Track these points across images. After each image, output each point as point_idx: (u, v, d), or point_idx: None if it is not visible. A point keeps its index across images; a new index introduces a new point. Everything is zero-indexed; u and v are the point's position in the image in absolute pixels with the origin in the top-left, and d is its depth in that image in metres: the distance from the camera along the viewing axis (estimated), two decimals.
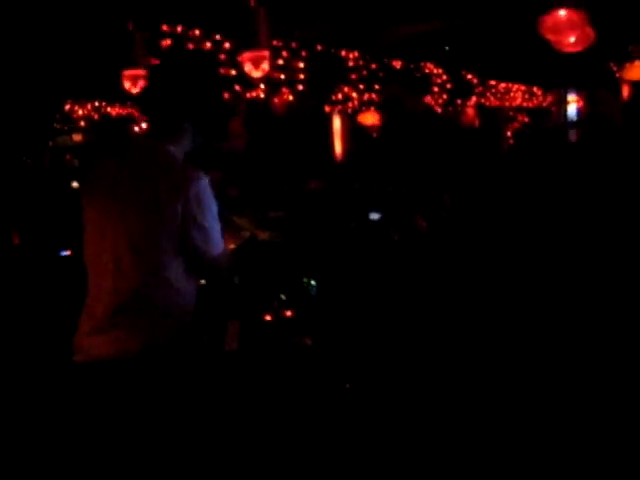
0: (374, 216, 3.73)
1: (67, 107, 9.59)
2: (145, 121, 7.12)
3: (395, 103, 3.95)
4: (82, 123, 10.13)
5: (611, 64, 9.51)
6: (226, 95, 6.68)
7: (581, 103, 13.74)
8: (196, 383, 2.40)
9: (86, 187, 2.45)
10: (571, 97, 13.97)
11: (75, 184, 8.91)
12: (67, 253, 5.12)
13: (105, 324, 2.23)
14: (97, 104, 9.75)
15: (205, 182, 2.29)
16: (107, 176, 2.35)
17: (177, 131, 2.39)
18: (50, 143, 9.62)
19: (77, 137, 10.73)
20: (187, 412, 2.36)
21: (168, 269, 2.26)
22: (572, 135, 11.95)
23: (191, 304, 2.37)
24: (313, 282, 3.25)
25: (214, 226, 2.32)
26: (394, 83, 3.89)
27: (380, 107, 8.95)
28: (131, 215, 2.25)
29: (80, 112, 9.89)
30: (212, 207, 2.32)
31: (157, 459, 2.29)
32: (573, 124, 13.04)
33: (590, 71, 9.67)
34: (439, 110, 9.72)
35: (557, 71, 10.04)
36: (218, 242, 2.35)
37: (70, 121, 10.04)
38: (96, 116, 9.98)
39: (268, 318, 3.12)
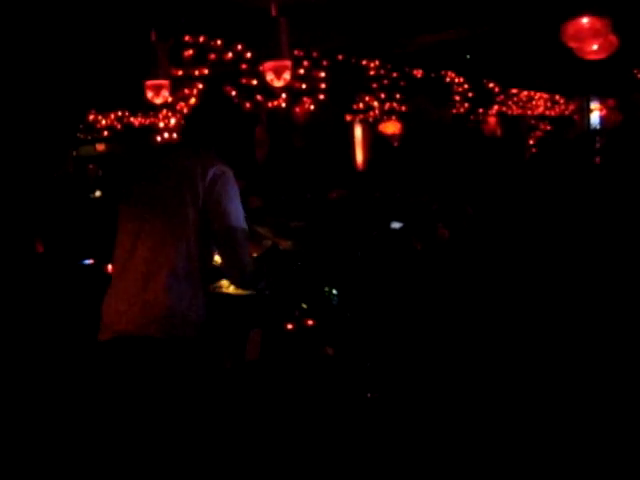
0: (395, 225, 3.72)
1: (91, 117, 9.69)
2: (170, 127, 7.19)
3: (422, 113, 3.95)
4: (105, 133, 10.23)
5: (635, 71, 9.44)
6: (248, 105, 6.72)
7: (604, 111, 13.64)
8: (212, 389, 2.43)
9: (124, 190, 2.62)
10: (594, 105, 13.88)
11: (98, 193, 8.98)
12: (90, 262, 5.15)
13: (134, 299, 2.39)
14: (120, 114, 9.84)
15: (228, 174, 2.47)
16: (142, 180, 2.58)
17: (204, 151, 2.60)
18: (74, 153, 9.72)
19: (100, 147, 10.83)
20: (204, 419, 2.38)
21: (185, 271, 2.40)
22: (595, 144, 11.85)
23: (199, 315, 2.44)
24: (335, 291, 3.24)
25: (234, 222, 2.45)
26: (420, 94, 3.89)
27: (406, 117, 8.94)
28: (158, 216, 2.44)
29: (103, 122, 9.98)
30: (232, 200, 2.46)
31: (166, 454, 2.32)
32: (596, 132, 12.94)
33: (615, 78, 9.60)
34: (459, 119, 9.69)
35: (580, 79, 9.97)
36: (239, 242, 2.46)
37: (93, 131, 10.15)
38: (119, 126, 10.07)
39: (290, 327, 3.12)
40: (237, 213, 2.46)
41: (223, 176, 2.44)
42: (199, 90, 6.25)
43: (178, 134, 7.17)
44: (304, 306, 3.17)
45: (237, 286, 2.83)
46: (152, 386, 2.34)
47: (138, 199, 2.52)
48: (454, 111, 9.61)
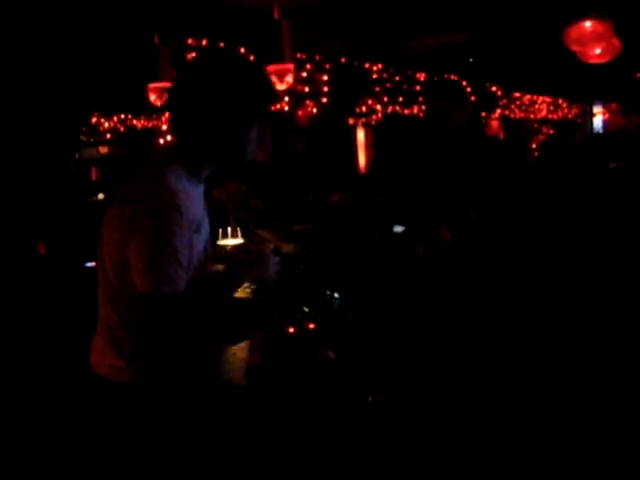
0: (398, 229, 3.71)
1: (93, 120, 9.70)
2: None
3: (439, 116, 3.92)
4: (108, 135, 10.24)
5: (639, 75, 9.44)
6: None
7: (607, 115, 13.65)
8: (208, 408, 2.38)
9: (108, 202, 2.24)
10: (597, 109, 13.87)
11: (101, 196, 8.99)
12: (92, 265, 5.15)
13: (101, 343, 2.18)
14: (123, 117, 9.85)
15: (152, 208, 1.86)
16: (113, 198, 2.11)
17: (194, 156, 2.04)
18: (76, 155, 9.73)
19: (103, 149, 10.84)
20: (204, 429, 2.36)
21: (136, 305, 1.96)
22: (598, 148, 11.86)
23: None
24: (336, 295, 3.23)
25: (150, 261, 1.85)
26: (438, 95, 3.86)
27: (418, 120, 8.91)
28: (111, 243, 2.01)
29: (106, 125, 10.00)
30: (154, 239, 1.85)
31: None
32: (599, 136, 12.95)
33: (618, 82, 9.59)
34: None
35: (583, 82, 9.97)
36: (155, 281, 1.86)
37: (96, 133, 10.16)
38: (122, 128, 10.08)
39: (291, 331, 3.11)
40: (158, 272, 1.85)
41: (145, 216, 1.85)
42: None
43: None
44: (306, 309, 3.17)
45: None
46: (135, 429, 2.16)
47: (100, 241, 2.12)
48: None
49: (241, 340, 3.04)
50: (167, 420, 2.14)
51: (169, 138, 7.74)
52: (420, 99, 9.08)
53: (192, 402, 2.21)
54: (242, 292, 3.15)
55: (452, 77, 9.06)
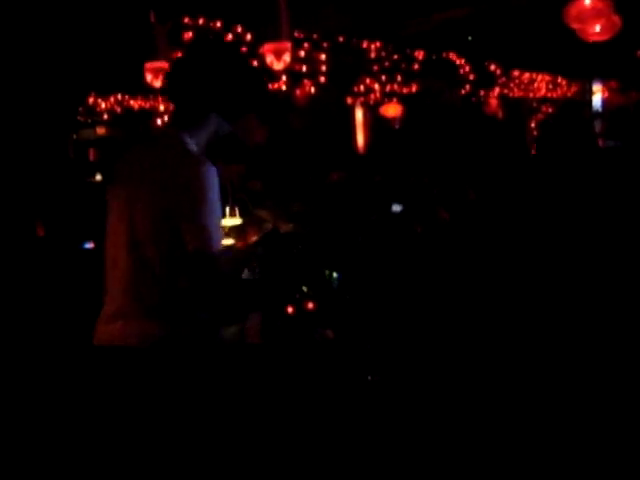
0: (396, 208, 3.70)
1: (90, 100, 9.65)
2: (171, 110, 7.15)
3: (433, 95, 3.91)
4: (105, 116, 10.19)
5: (639, 53, 9.38)
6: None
7: (606, 93, 13.58)
8: (211, 377, 2.39)
9: (109, 180, 2.43)
10: (596, 87, 13.80)
11: (99, 177, 8.97)
12: (90, 246, 5.16)
13: (114, 313, 2.24)
14: (120, 97, 9.80)
15: (207, 172, 2.13)
16: (123, 168, 2.33)
17: (200, 120, 2.28)
18: (74, 136, 9.69)
19: (101, 130, 10.81)
20: (203, 404, 2.36)
21: (163, 265, 2.15)
22: (597, 126, 11.81)
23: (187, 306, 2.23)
24: (335, 274, 3.24)
25: (206, 221, 2.11)
26: (432, 75, 3.85)
27: (414, 98, 8.87)
28: (137, 207, 2.18)
29: (103, 105, 9.95)
30: (209, 200, 2.13)
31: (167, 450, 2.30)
32: (598, 115, 12.89)
33: (618, 60, 9.54)
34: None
35: (582, 60, 9.92)
36: (209, 240, 2.11)
37: (94, 114, 10.11)
38: (119, 109, 10.04)
39: (290, 310, 3.12)
40: (214, 226, 2.13)
41: (203, 180, 2.11)
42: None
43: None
44: (304, 289, 3.17)
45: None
46: (144, 392, 2.22)
47: (114, 204, 2.28)
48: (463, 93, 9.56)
49: (237, 319, 3.04)
50: (189, 381, 2.22)
51: (166, 119, 7.71)
52: (419, 78, 9.04)
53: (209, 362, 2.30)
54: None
55: (451, 55, 9.01)
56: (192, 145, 2.24)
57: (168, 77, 2.42)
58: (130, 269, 2.19)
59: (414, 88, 9.45)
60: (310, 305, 3.12)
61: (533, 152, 9.15)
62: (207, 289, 2.21)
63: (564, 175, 5.62)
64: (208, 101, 2.26)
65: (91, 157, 10.29)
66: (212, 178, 2.14)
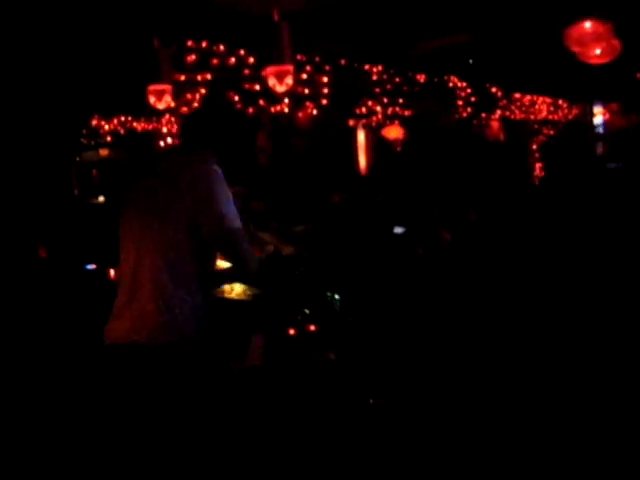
0: (398, 230, 3.71)
1: (94, 122, 9.69)
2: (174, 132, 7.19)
3: (430, 117, 3.95)
4: (108, 138, 10.22)
5: (639, 75, 9.42)
6: (251, 110, 6.71)
7: (607, 116, 13.62)
8: (215, 393, 2.42)
9: (125, 202, 2.63)
10: (597, 109, 13.85)
11: (101, 198, 8.99)
12: (93, 267, 5.15)
13: (123, 312, 2.42)
14: (123, 119, 9.84)
15: (209, 169, 2.46)
16: (141, 187, 2.58)
17: (199, 154, 2.59)
18: (77, 158, 9.72)
19: (104, 152, 10.83)
20: (206, 424, 2.37)
21: (194, 273, 2.40)
22: (599, 148, 11.84)
23: (200, 320, 2.43)
24: (337, 296, 3.23)
25: (222, 208, 2.40)
26: (430, 97, 3.89)
27: (411, 121, 8.91)
28: (159, 216, 2.42)
29: (106, 127, 9.98)
30: (218, 192, 2.42)
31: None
32: (599, 137, 12.93)
33: (618, 83, 9.58)
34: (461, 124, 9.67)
35: (583, 83, 9.97)
36: (230, 223, 2.40)
37: (97, 136, 10.14)
38: (122, 131, 10.07)
39: (292, 332, 3.11)
40: (229, 213, 2.42)
41: (209, 177, 2.44)
42: (202, 95, 6.25)
43: (178, 137, 7.16)
44: (306, 311, 3.17)
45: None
46: (149, 393, 2.34)
47: (131, 212, 2.54)
48: (457, 116, 9.60)
49: (242, 344, 3.04)
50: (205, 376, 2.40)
51: (169, 140, 7.74)
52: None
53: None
54: (242, 294, 3.16)
55: (452, 78, 9.05)
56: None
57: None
58: (156, 274, 2.38)
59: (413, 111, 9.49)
60: (312, 327, 3.12)
61: (539, 173, 9.18)
62: (233, 263, 2.51)
63: (568, 196, 5.63)
64: (211, 141, 2.62)
65: (94, 179, 10.31)
66: (215, 173, 2.47)
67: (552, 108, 13.03)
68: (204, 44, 6.12)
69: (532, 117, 12.31)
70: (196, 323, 2.39)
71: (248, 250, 2.49)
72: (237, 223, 2.44)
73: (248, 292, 3.24)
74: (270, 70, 4.33)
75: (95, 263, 5.14)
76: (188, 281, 2.39)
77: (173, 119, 7.61)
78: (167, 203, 2.41)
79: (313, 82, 7.24)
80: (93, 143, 10.35)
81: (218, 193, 2.42)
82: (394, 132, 9.61)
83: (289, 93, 5.79)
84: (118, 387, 2.42)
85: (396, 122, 9.71)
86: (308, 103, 7.83)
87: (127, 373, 2.37)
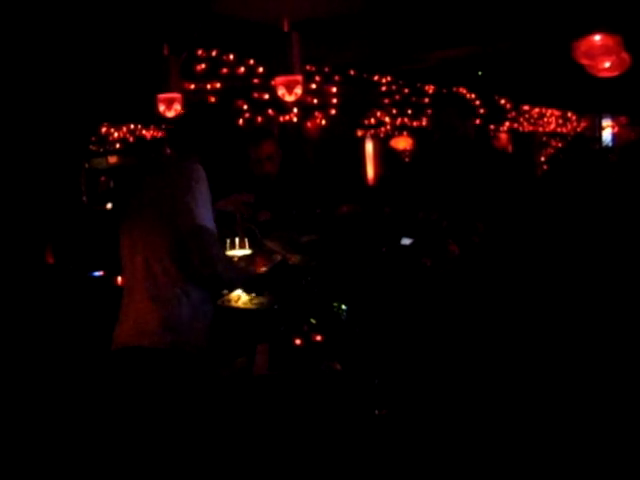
0: (405, 241, 3.70)
1: (103, 130, 9.74)
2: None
3: (448, 128, 3.95)
4: (117, 145, 10.27)
5: None
6: (260, 119, 6.74)
7: (616, 128, 13.62)
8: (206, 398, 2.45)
9: (122, 202, 2.69)
10: (606, 122, 13.84)
11: (109, 205, 9.01)
12: (100, 274, 5.16)
13: (124, 316, 2.47)
14: (132, 127, 9.89)
15: (190, 167, 2.47)
16: (136, 191, 2.61)
17: (187, 158, 2.62)
18: (86, 165, 9.77)
19: (112, 159, 10.88)
20: (202, 431, 2.38)
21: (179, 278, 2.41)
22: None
23: (202, 322, 2.48)
24: (344, 307, 3.22)
25: (196, 206, 2.37)
26: (448, 108, 3.90)
27: (425, 132, 8.91)
28: (151, 224, 2.46)
29: (116, 135, 10.03)
30: (195, 190, 2.40)
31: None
32: (608, 150, 12.91)
33: (627, 96, 9.57)
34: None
35: (592, 96, 9.96)
36: (202, 221, 2.38)
37: (106, 143, 10.19)
38: (131, 138, 10.11)
39: (298, 342, 3.10)
40: (201, 211, 2.39)
41: (189, 173, 2.43)
42: (210, 104, 6.28)
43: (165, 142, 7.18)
44: (313, 321, 3.16)
45: (210, 286, 2.64)
46: (149, 395, 2.36)
47: (127, 218, 2.57)
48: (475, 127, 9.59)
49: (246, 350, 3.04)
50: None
51: None
52: (429, 111, 9.09)
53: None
54: (248, 303, 3.15)
55: (461, 90, 9.07)
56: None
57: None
58: (146, 278, 2.42)
59: (424, 121, 9.49)
60: (318, 337, 3.11)
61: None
62: (201, 264, 2.39)
63: (573, 207, 5.62)
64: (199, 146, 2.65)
65: (102, 186, 10.35)
66: (196, 171, 2.45)
67: (561, 121, 13.02)
68: (214, 53, 6.16)
69: (541, 129, 12.30)
70: (195, 326, 2.42)
71: (219, 255, 2.46)
72: (209, 224, 2.41)
73: (255, 301, 3.24)
74: (279, 80, 4.34)
75: (102, 270, 5.14)
76: (183, 283, 2.40)
77: None
78: (153, 204, 2.45)
79: (322, 92, 7.26)
80: (102, 150, 10.40)
81: (194, 189, 2.40)
82: (403, 143, 9.63)
83: (298, 103, 5.81)
84: (120, 390, 2.44)
85: (405, 133, 9.73)
86: (317, 113, 7.86)
87: (130, 376, 2.40)
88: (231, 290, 3.07)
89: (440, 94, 8.42)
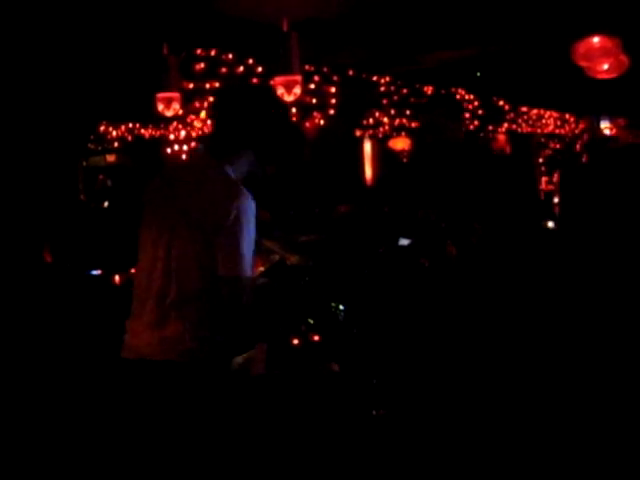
0: (403, 242, 3.70)
1: (101, 128, 9.72)
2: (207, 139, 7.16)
3: (436, 129, 3.97)
4: (116, 144, 10.25)
5: None
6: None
7: (614, 130, 13.62)
8: (222, 403, 2.42)
9: (145, 198, 2.53)
10: (604, 124, 13.84)
11: (106, 204, 9.00)
12: (98, 272, 5.16)
13: (150, 325, 2.33)
14: (131, 126, 9.86)
15: (249, 205, 2.29)
16: (162, 190, 2.46)
17: (235, 154, 2.42)
18: (84, 163, 9.75)
19: (110, 158, 10.86)
20: (210, 433, 2.37)
21: (205, 283, 2.29)
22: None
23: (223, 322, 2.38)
24: (341, 307, 3.23)
25: (244, 250, 2.26)
26: (436, 109, 3.91)
27: (418, 133, 8.92)
28: (179, 227, 2.32)
29: (114, 133, 10.01)
30: (248, 231, 2.28)
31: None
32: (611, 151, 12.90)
33: (626, 98, 9.58)
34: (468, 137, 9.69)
35: (591, 98, 9.97)
36: (244, 267, 2.26)
37: (104, 142, 10.17)
38: (130, 137, 10.09)
39: (296, 342, 3.11)
40: (245, 257, 2.26)
41: (242, 208, 2.26)
42: (210, 103, 6.27)
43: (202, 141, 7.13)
44: (310, 321, 3.17)
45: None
46: (168, 406, 2.32)
47: (153, 220, 2.42)
48: (465, 129, 9.61)
49: (247, 347, 3.03)
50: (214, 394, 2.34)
51: (176, 147, 7.76)
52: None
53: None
54: None
55: (460, 91, 9.07)
56: (233, 176, 2.38)
57: (219, 105, 2.69)
58: (164, 284, 2.31)
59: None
60: (316, 337, 3.11)
61: (544, 187, 9.16)
62: (230, 313, 2.32)
63: (576, 207, 5.62)
64: (251, 136, 2.42)
65: (100, 184, 10.33)
66: (251, 210, 2.29)
67: (559, 122, 13.03)
68: (213, 52, 6.15)
69: (539, 131, 12.30)
70: (213, 340, 2.33)
71: (248, 301, 2.33)
72: (248, 270, 2.29)
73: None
74: (279, 80, 4.34)
75: (100, 269, 5.14)
76: (208, 300, 2.31)
77: (180, 126, 7.64)
78: (185, 211, 2.31)
79: (321, 92, 7.26)
80: (100, 148, 10.38)
81: (244, 231, 2.25)
82: (401, 143, 9.62)
83: (296, 103, 5.80)
84: (134, 398, 2.41)
85: (403, 133, 9.72)
86: (315, 113, 7.85)
87: (148, 387, 2.34)
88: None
89: (432, 96, 8.43)
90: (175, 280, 2.30)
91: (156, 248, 2.36)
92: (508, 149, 10.73)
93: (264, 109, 2.47)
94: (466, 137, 4.00)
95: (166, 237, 2.33)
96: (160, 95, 5.24)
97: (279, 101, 2.83)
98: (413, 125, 9.53)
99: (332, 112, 7.68)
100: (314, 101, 7.32)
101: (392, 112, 9.00)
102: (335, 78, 7.39)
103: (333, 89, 7.33)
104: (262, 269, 3.27)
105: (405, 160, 9.38)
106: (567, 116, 13.23)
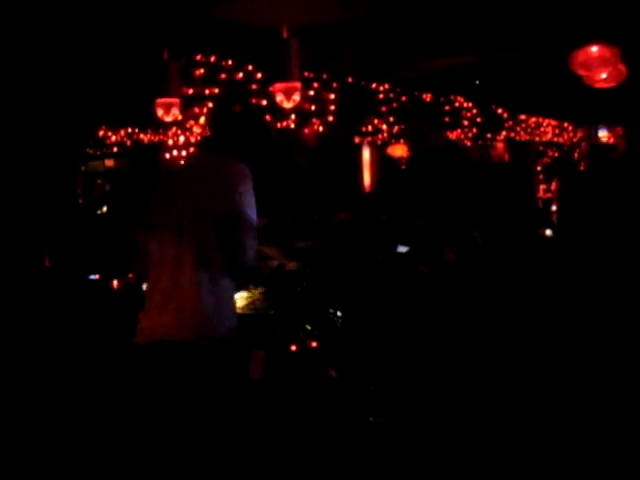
0: (402, 249, 3.71)
1: (101, 133, 9.73)
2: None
3: (418, 138, 4.00)
4: (115, 149, 10.26)
5: None
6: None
7: (612, 139, 13.65)
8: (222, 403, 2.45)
9: (154, 190, 2.71)
10: (602, 133, 13.88)
11: (105, 208, 9.00)
12: (95, 277, 5.15)
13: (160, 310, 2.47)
14: (130, 131, 9.88)
15: (236, 167, 2.55)
16: (171, 180, 2.71)
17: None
18: (82, 168, 9.75)
19: (109, 162, 10.87)
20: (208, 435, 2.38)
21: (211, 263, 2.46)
22: None
23: (230, 315, 2.54)
24: (339, 313, 3.23)
25: (243, 211, 2.45)
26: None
27: (405, 141, 8.94)
28: (189, 213, 2.51)
29: (113, 138, 10.02)
30: (242, 193, 2.48)
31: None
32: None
33: (624, 107, 9.62)
34: (468, 144, 9.71)
35: (589, 106, 10.01)
36: (244, 229, 2.44)
37: (103, 146, 10.18)
38: (129, 142, 10.10)
39: (293, 348, 3.11)
40: (250, 206, 2.49)
41: (238, 172, 2.52)
42: (209, 109, 6.29)
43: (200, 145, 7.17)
44: (308, 327, 3.17)
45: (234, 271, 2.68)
46: (182, 388, 2.43)
47: (162, 212, 2.59)
48: (461, 136, 9.64)
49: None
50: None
51: (175, 153, 7.78)
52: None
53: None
54: (245, 309, 3.16)
55: (458, 98, 9.10)
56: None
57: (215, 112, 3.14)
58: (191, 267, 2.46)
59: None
60: (313, 343, 3.11)
61: (542, 195, 9.18)
62: (236, 272, 2.52)
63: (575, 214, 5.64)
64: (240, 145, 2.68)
65: (98, 189, 10.33)
66: (242, 172, 2.55)
67: (557, 131, 13.07)
68: (213, 58, 6.16)
69: (537, 139, 12.34)
70: (227, 323, 2.50)
71: (252, 243, 2.50)
72: (254, 217, 2.50)
73: (251, 306, 3.24)
74: (278, 86, 4.35)
75: (98, 273, 5.14)
76: (221, 282, 2.48)
77: (180, 132, 7.66)
78: (195, 196, 2.50)
79: (320, 99, 7.28)
80: (99, 153, 10.39)
81: (243, 185, 2.49)
82: (400, 150, 9.64)
83: (296, 109, 5.82)
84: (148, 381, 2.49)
85: (402, 140, 9.74)
86: (314, 120, 7.87)
87: (165, 368, 2.44)
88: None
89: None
90: (184, 273, 2.45)
91: (171, 246, 2.51)
92: (507, 157, 10.77)
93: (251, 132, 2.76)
94: (449, 146, 4.04)
95: (177, 231, 2.51)
96: (160, 100, 5.24)
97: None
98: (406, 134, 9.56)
99: (331, 119, 7.70)
100: (313, 108, 7.34)
101: (391, 119, 9.03)
102: (334, 85, 7.41)
103: (332, 96, 7.35)
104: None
105: (404, 167, 9.39)
106: (565, 124, 13.27)
